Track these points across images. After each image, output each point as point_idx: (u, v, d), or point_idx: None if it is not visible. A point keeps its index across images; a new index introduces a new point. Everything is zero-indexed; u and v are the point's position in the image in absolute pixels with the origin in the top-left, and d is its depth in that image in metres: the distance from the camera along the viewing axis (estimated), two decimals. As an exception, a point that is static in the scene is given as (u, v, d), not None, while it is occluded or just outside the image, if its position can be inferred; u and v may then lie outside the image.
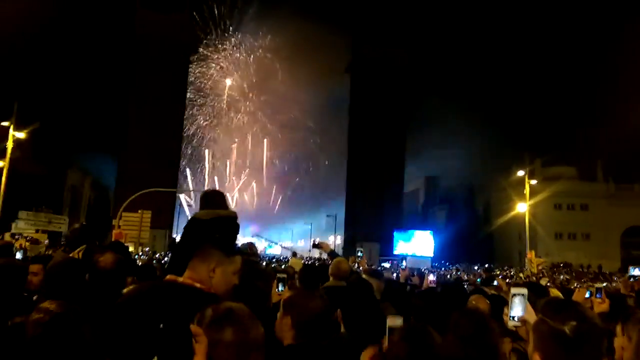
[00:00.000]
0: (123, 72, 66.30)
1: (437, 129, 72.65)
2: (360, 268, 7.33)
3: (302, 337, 2.34)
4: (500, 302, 3.81)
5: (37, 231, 23.26)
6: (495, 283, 10.08)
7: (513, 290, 2.24)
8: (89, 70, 69.04)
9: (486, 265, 39.89)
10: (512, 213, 40.94)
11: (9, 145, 25.25)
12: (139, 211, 26.21)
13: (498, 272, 27.15)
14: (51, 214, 28.56)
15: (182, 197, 71.86)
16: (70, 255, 3.81)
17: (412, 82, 71.39)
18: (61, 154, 70.72)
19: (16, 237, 16.22)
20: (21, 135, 26.17)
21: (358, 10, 72.04)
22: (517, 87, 70.73)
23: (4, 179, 25.25)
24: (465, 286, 9.72)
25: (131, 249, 23.32)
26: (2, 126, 25.83)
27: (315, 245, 8.00)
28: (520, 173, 34.55)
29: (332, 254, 5.76)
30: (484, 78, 70.68)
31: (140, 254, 26.19)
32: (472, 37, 73.33)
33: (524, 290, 2.23)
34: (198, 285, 2.14)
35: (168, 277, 2.21)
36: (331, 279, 4.60)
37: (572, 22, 67.08)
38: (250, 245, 4.91)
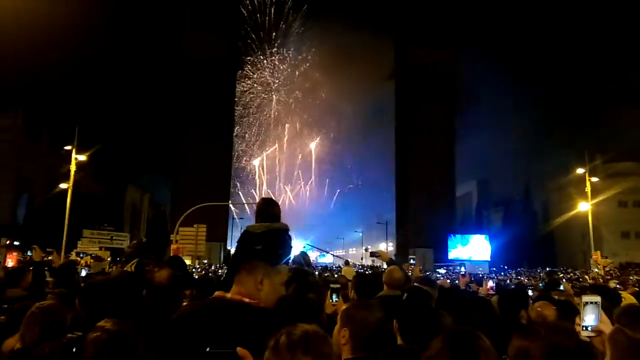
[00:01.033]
0: (174, 93, 68.84)
1: (488, 129, 70.71)
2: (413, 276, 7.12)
3: (360, 350, 2.26)
4: (569, 309, 3.58)
5: (100, 249, 24.32)
6: (561, 287, 9.50)
7: (585, 298, 2.08)
8: (142, 93, 72.24)
9: (548, 269, 38.16)
10: (573, 212, 39.01)
11: (72, 167, 26.67)
12: (195, 225, 27.02)
13: (562, 275, 25.88)
14: (113, 232, 29.81)
15: (234, 209, 73.35)
16: (124, 269, 3.93)
17: (460, 83, 69.89)
18: (120, 174, 74.24)
19: (80, 255, 17.01)
20: (82, 157, 27.59)
21: (401, 14, 71.53)
22: (573, 82, 67.76)
23: (68, 199, 26.66)
24: (530, 292, 9.24)
25: (188, 262, 24.04)
26: (65, 150, 27.36)
27: (372, 254, 7.91)
28: (580, 171, 32.97)
29: (391, 262, 5.62)
30: (537, 73, 68.20)
31: (198, 267, 26.90)
32: (522, 32, 71.02)
33: (597, 298, 2.06)
34: (247, 300, 2.12)
35: (216, 293, 2.20)
36: (385, 287, 4.49)
37: (634, 14, 63.64)
38: (305, 256, 4.87)
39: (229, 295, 2.13)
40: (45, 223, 46.25)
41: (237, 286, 2.16)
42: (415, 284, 4.63)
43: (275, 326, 1.57)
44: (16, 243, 34.63)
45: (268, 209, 4.10)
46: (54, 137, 60.27)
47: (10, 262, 9.32)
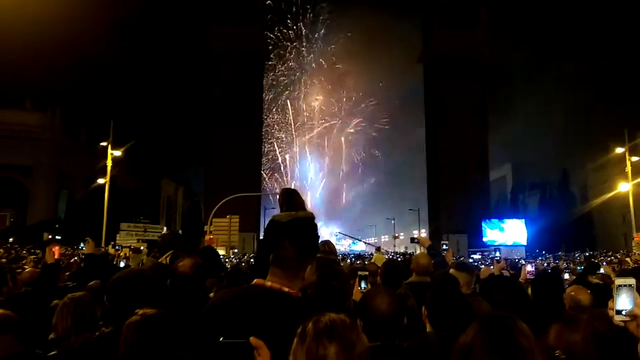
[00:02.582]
0: (203, 86, 69.69)
1: (522, 110, 68.81)
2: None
3: (375, 339, 2.25)
4: (606, 293, 3.47)
5: (138, 241, 25.03)
6: (601, 271, 9.16)
7: (618, 281, 2.00)
8: (173, 88, 73.49)
9: (587, 252, 37.10)
10: (613, 193, 37.70)
11: (109, 163, 27.45)
12: (228, 216, 27.43)
13: (602, 259, 25.12)
14: (148, 224, 30.60)
15: (265, 198, 74.08)
16: (159, 260, 4.02)
17: (490, 63, 68.04)
18: (155, 168, 76.00)
19: (116, 247, 17.55)
20: (118, 153, 28.34)
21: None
22: (611, 57, 65.02)
23: (106, 194, 27.49)
24: (567, 276, 8.94)
25: (222, 252, 24.46)
26: (101, 146, 28.16)
27: (412, 240, 7.90)
28: (620, 150, 31.80)
29: (431, 248, 5.56)
30: (572, 49, 65.69)
31: (232, 256, 27.37)
32: (556, 6, 68.41)
33: (632, 280, 1.98)
34: (286, 289, 2.14)
35: (256, 280, 2.22)
36: (413, 274, 4.46)
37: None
38: (327, 243, 4.82)
39: (268, 283, 2.15)
40: (85, 217, 47.90)
41: (272, 275, 2.17)
42: (451, 270, 4.57)
43: (311, 316, 1.58)
44: (58, 237, 35.98)
45: (291, 198, 4.13)
46: (91, 133, 62.16)
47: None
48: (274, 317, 1.88)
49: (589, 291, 3.57)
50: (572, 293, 3.59)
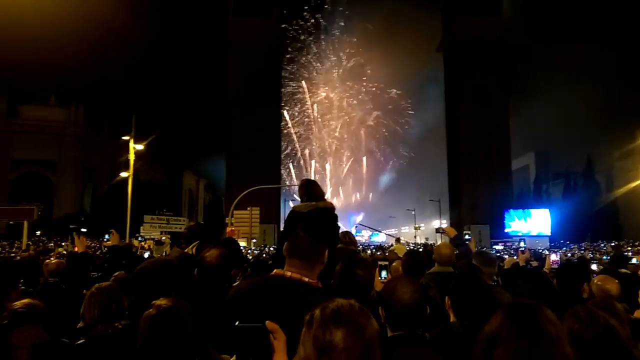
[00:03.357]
0: (223, 80, 70.03)
1: (544, 98, 67.41)
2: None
3: (397, 329, 2.23)
4: (634, 283, 3.38)
5: (161, 233, 25.38)
6: (634, 261, 8.85)
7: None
8: (193, 82, 74.04)
9: (613, 242, 36.34)
10: (639, 182, 36.75)
11: (131, 157, 27.83)
12: (248, 208, 27.63)
13: (629, 249, 24.57)
14: (171, 216, 31.03)
15: (285, 190, 74.39)
16: (185, 251, 4.08)
17: (512, 50, 66.69)
18: (176, 161, 77.02)
19: (139, 239, 17.90)
20: (140, 147, 28.70)
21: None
22: (636, 40, 63.03)
23: (129, 187, 27.92)
24: (595, 267, 8.73)
25: (244, 244, 24.68)
26: (123, 140, 28.55)
27: (438, 231, 7.83)
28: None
29: (456, 238, 5.47)
30: (597, 33, 63.89)
31: (253, 248, 27.61)
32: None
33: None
34: (306, 279, 2.15)
35: (276, 271, 2.23)
36: (436, 265, 4.42)
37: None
38: (347, 234, 4.80)
39: (288, 273, 2.16)
40: (110, 210, 48.86)
41: (291, 266, 2.18)
42: (474, 260, 4.51)
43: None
44: (83, 230, 36.73)
45: (311, 189, 4.12)
46: (114, 127, 63.29)
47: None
48: (294, 305, 1.89)
49: (617, 281, 3.47)
50: (600, 282, 3.49)
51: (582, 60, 65.16)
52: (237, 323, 1.53)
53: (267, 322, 1.54)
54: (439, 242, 24.76)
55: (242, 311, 2.06)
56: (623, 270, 5.93)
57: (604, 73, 62.53)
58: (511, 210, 53.24)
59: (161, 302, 2.02)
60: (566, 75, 65.56)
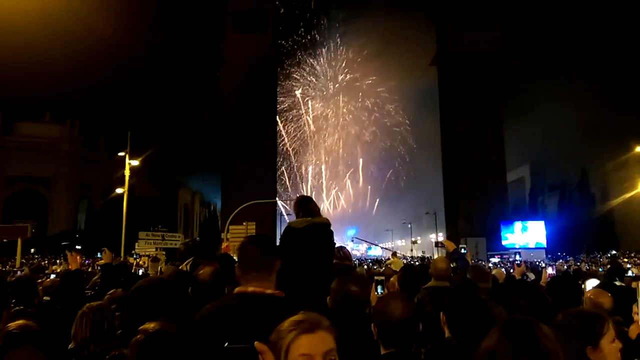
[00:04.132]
0: (218, 95, 70.29)
1: (538, 110, 67.92)
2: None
3: (390, 346, 2.23)
4: (629, 296, 3.38)
5: (156, 249, 25.19)
6: (630, 273, 8.80)
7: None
8: (188, 97, 74.26)
9: (610, 253, 36.38)
10: (633, 192, 36.91)
11: (126, 173, 27.78)
12: (244, 223, 27.53)
13: (626, 260, 24.59)
14: (166, 232, 30.83)
15: (281, 205, 74.29)
16: (180, 267, 4.07)
17: (505, 63, 67.33)
18: (171, 177, 76.84)
19: (134, 256, 17.77)
20: (135, 163, 28.67)
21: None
22: (631, 54, 63.83)
23: (124, 204, 27.81)
24: (596, 281, 8.69)
25: (239, 259, 24.53)
26: (119, 156, 28.52)
27: (437, 245, 7.79)
28: (640, 149, 31.27)
29: (455, 252, 5.44)
30: (590, 46, 64.66)
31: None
32: (572, 2, 67.41)
33: (656, 283, 1.94)
34: (269, 291, 2.18)
35: (237, 289, 2.26)
36: (432, 279, 4.41)
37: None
38: (341, 249, 4.77)
39: (250, 288, 2.18)
40: (105, 227, 48.53)
41: (249, 280, 2.22)
42: (468, 275, 4.49)
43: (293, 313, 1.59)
44: (78, 247, 36.40)
45: (306, 205, 4.12)
46: (109, 143, 63.25)
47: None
48: (262, 321, 1.90)
49: (609, 295, 3.45)
50: (592, 296, 3.44)
51: (575, 73, 65.90)
52: (226, 344, 1.54)
53: (255, 343, 1.55)
54: (436, 256, 24.73)
55: (213, 335, 2.05)
56: (619, 283, 5.94)
57: (597, 85, 63.20)
58: (506, 223, 53.40)
59: (148, 326, 1.98)
60: (560, 89, 66.17)
